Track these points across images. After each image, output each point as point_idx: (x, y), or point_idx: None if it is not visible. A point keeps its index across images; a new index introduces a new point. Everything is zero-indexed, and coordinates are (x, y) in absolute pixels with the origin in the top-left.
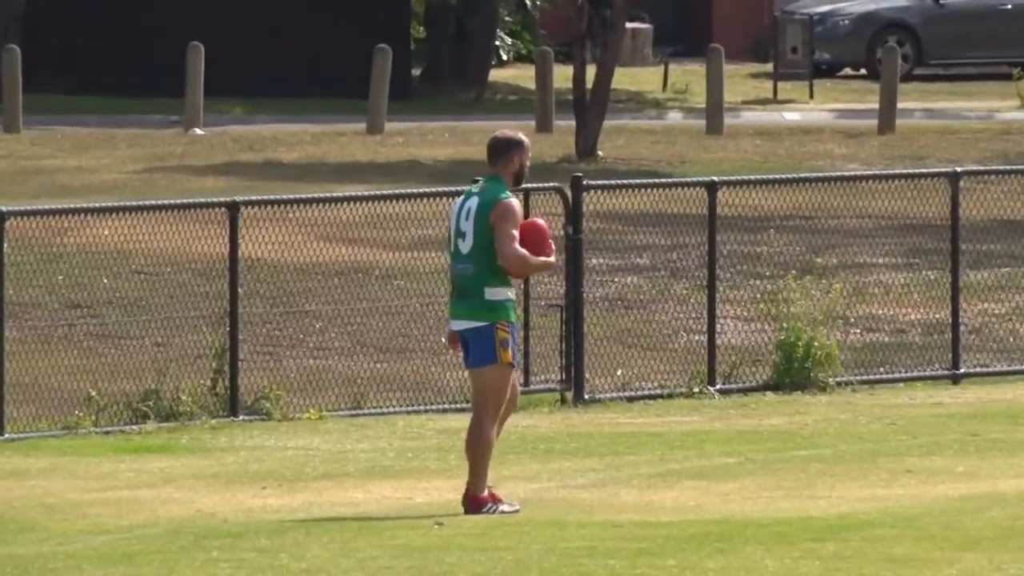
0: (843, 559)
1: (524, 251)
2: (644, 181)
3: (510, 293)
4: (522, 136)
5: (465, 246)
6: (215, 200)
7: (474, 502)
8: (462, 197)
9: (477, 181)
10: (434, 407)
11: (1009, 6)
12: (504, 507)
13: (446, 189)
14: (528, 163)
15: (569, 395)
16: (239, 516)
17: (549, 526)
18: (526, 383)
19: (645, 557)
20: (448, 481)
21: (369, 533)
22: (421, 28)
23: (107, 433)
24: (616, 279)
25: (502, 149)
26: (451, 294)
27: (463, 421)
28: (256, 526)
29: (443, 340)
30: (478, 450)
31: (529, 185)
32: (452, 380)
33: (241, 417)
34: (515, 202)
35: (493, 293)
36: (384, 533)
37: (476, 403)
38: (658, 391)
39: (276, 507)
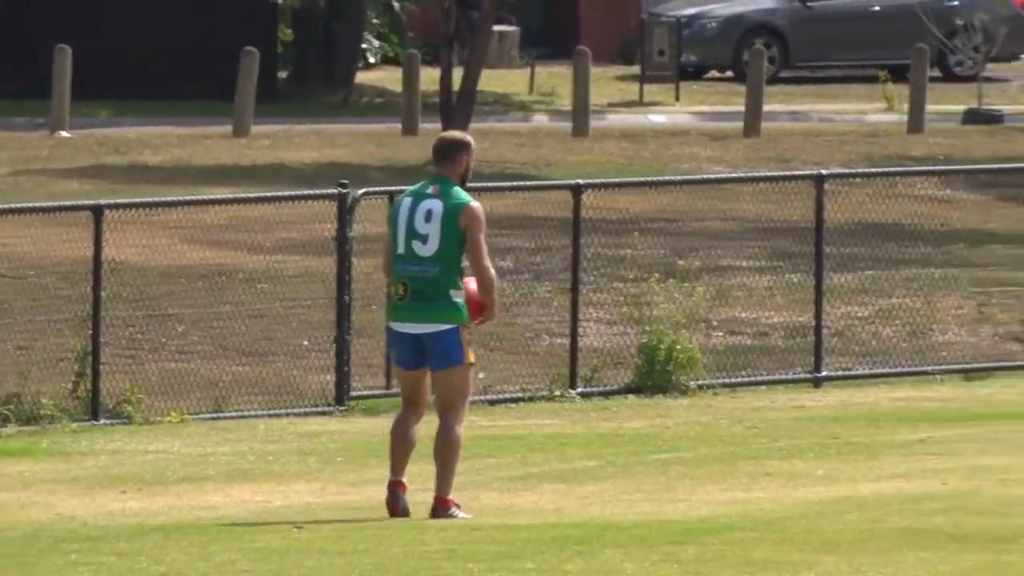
0: (703, 562)
1: (493, 274)
2: (509, 184)
3: (463, 295)
4: (469, 138)
5: (427, 249)
6: (80, 203)
7: (442, 504)
8: (410, 198)
9: (344, 184)
10: (295, 410)
11: (876, 8)
12: (462, 514)
13: (312, 192)
14: (473, 165)
15: (431, 398)
16: (99, 519)
17: (409, 529)
18: (388, 386)
19: (504, 560)
20: (307, 484)
21: (228, 537)
22: (288, 31)
23: None
24: None
25: (450, 150)
26: (397, 296)
27: (324, 424)
28: (116, 529)
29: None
30: (448, 452)
31: (393, 188)
32: (313, 383)
33: (102, 420)
34: (481, 207)
35: (457, 295)
36: (243, 537)
37: (444, 405)
38: (519, 394)
39: (136, 510)
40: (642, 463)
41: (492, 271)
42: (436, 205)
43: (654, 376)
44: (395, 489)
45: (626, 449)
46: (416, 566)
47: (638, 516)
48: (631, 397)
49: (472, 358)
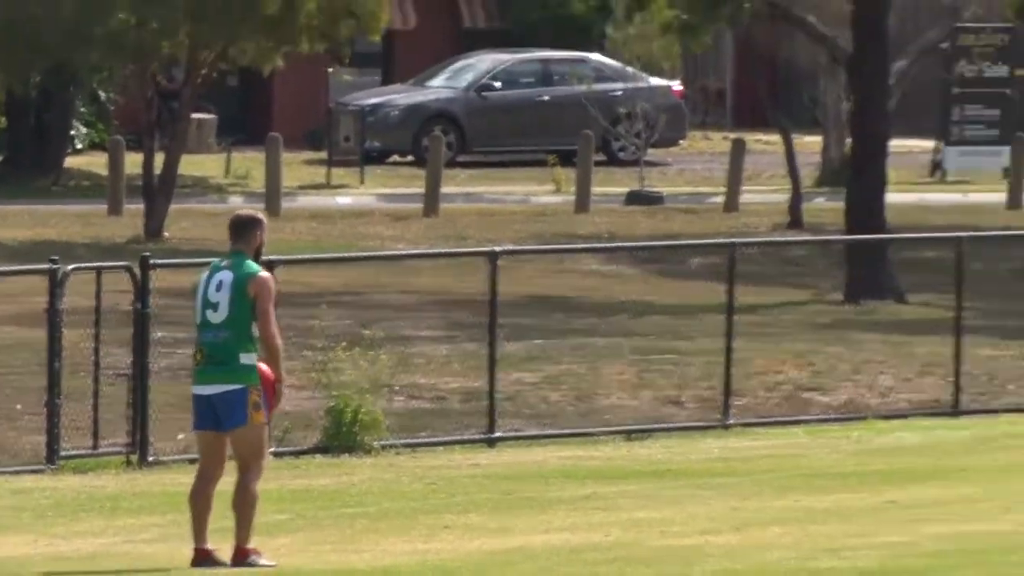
0: None
1: (280, 342)
2: (207, 260)
3: (256, 359)
4: (262, 215)
5: (218, 316)
6: None
7: (240, 553)
8: (208, 272)
9: (55, 260)
10: (9, 469)
11: (546, 98)
12: (263, 560)
13: (24, 268)
14: (265, 239)
15: (135, 457)
16: None
17: None
18: (95, 447)
19: None
20: (21, 537)
21: None
22: (2, 119)
23: None
24: (180, 350)
25: (245, 227)
26: (196, 361)
27: (36, 482)
28: None
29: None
30: (245, 505)
31: (100, 264)
32: (26, 443)
33: None
34: (271, 277)
35: (246, 358)
36: None
37: (239, 462)
38: None
39: None
40: (330, 517)
41: (279, 340)
42: (227, 276)
43: (341, 437)
44: (203, 556)
45: (315, 504)
46: None
47: (325, 565)
48: (319, 456)
49: (261, 418)
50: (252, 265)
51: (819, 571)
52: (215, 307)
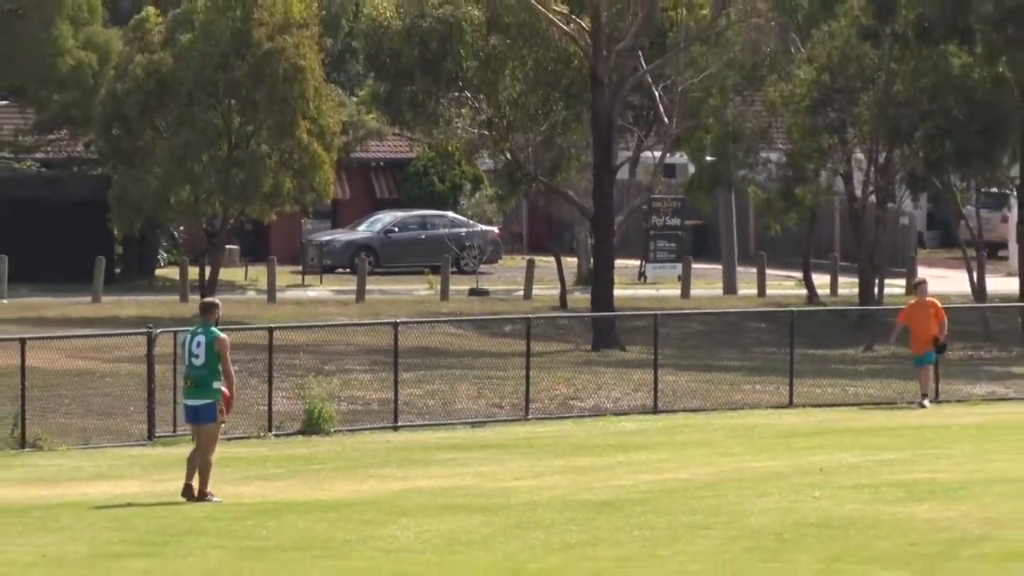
0: (339, 521)
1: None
2: (234, 327)
3: (220, 384)
4: (218, 300)
5: (199, 360)
6: (9, 336)
7: (201, 496)
8: (190, 335)
9: (151, 326)
10: (127, 444)
11: (424, 236)
12: (215, 498)
13: (133, 331)
14: (220, 315)
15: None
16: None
17: (194, 506)
18: (174, 430)
19: (238, 521)
20: (134, 482)
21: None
22: (120, 248)
23: None
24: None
25: (208, 308)
26: (186, 385)
27: (143, 451)
28: None
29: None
30: (204, 468)
31: (176, 329)
32: (135, 429)
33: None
34: (227, 337)
35: (216, 385)
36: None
37: (203, 443)
38: (242, 435)
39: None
40: (306, 470)
41: (232, 374)
42: (202, 338)
43: (311, 425)
44: (188, 491)
45: (297, 464)
46: (202, 522)
47: (306, 498)
48: (300, 436)
49: (223, 419)
50: (216, 331)
51: (580, 501)
52: (197, 356)
